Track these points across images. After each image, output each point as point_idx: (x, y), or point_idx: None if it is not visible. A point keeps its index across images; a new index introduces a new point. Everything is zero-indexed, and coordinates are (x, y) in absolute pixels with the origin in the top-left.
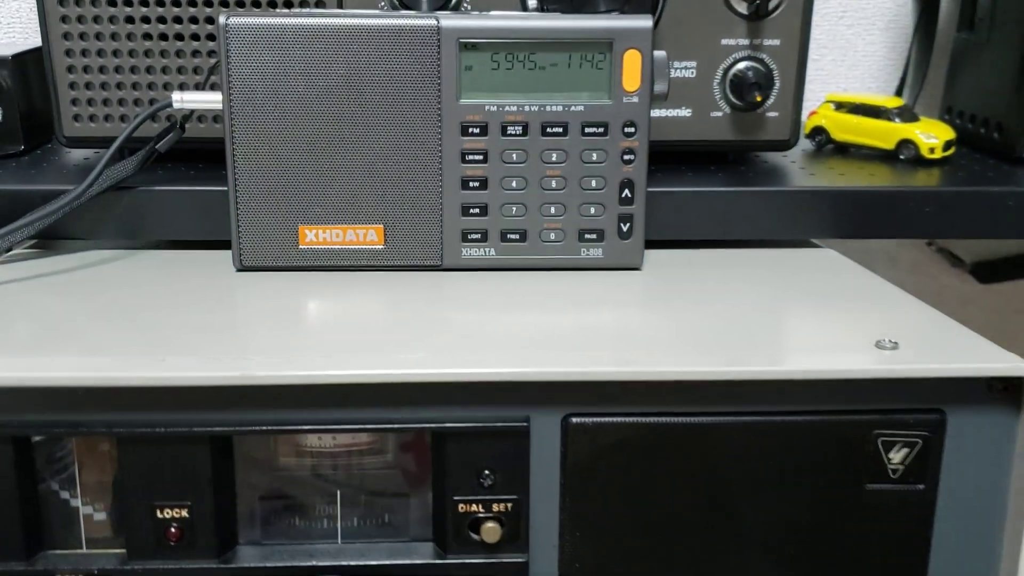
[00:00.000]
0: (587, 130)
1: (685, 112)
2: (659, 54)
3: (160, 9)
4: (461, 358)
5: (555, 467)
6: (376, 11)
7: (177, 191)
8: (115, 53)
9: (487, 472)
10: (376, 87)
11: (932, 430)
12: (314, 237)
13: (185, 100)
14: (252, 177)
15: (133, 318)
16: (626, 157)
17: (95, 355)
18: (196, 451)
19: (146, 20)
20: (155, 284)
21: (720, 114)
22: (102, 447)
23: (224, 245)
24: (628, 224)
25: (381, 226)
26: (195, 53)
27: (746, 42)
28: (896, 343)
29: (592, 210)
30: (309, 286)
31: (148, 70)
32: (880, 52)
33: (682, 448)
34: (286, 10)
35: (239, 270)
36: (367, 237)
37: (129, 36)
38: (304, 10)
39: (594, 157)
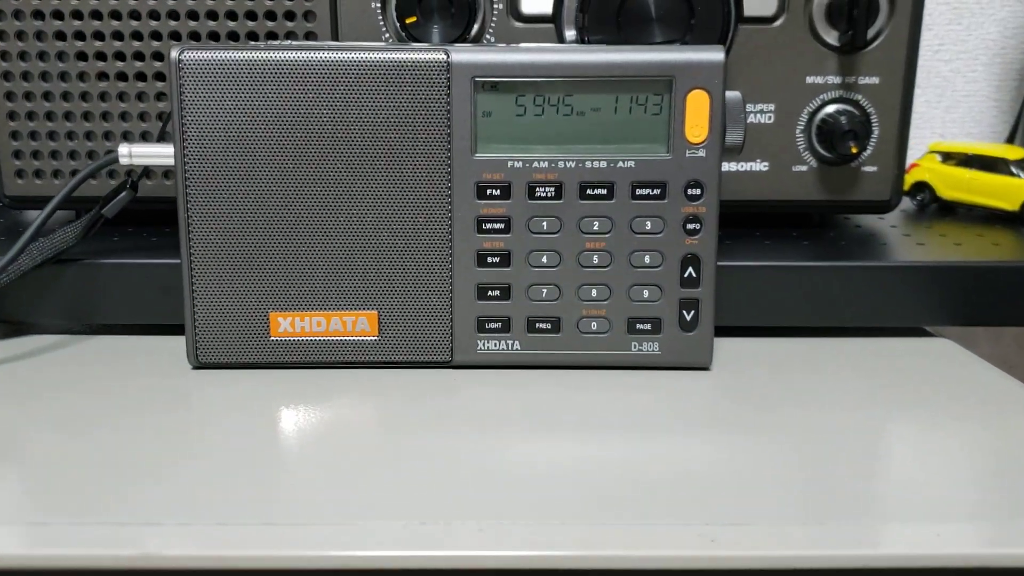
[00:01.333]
0: (639, 192)
1: (761, 166)
2: (733, 95)
3: (118, 43)
4: (464, 531)
5: None
6: (372, 44)
7: (131, 264)
8: (65, 96)
9: None
10: (369, 138)
11: None
12: (289, 326)
13: (135, 154)
14: (211, 250)
15: (36, 441)
16: (690, 226)
17: None
18: None
19: (101, 56)
20: (87, 385)
21: (804, 168)
22: None
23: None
24: (692, 311)
25: (374, 312)
26: (160, 96)
27: (837, 80)
28: None
29: (646, 293)
30: (278, 392)
31: (104, 117)
32: (983, 92)
33: None
34: (255, 43)
35: (195, 367)
36: (357, 326)
37: (82, 76)
38: (279, 43)
39: (648, 226)
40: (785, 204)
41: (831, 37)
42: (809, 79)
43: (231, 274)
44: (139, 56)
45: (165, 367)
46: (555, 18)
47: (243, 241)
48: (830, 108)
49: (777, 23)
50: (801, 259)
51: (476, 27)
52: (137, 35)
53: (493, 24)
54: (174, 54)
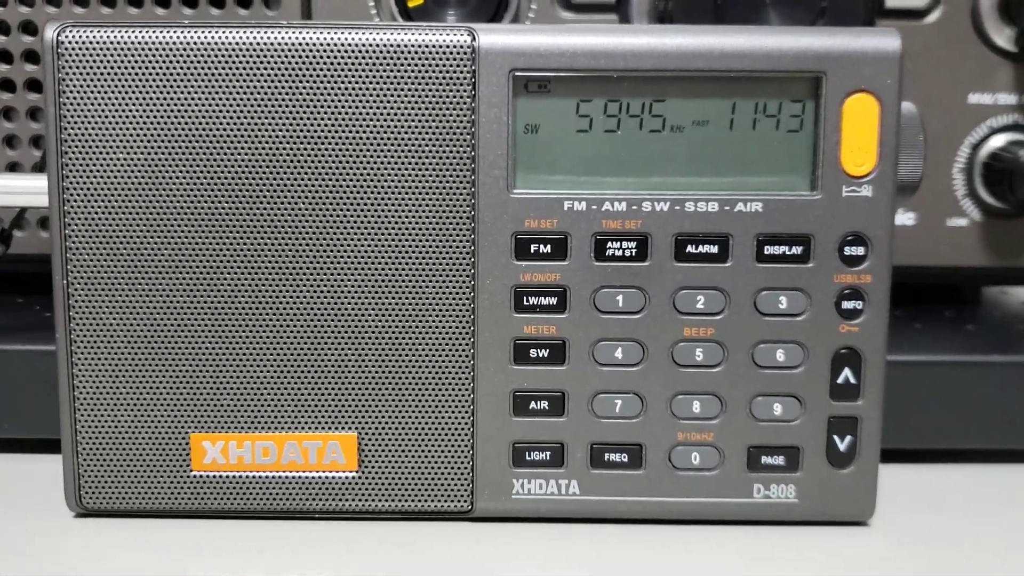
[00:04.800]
0: (769, 251)
1: (905, 218)
2: (909, 108)
3: (1, 38)
4: None
5: None
6: (357, 23)
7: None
8: None
9: None
10: (349, 164)
11: None
12: (220, 455)
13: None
14: (103, 337)
15: None
16: (847, 304)
17: None
18: None
19: None
20: None
21: (964, 222)
22: None
23: None
24: (849, 437)
25: (353, 435)
26: None
27: (1012, 99)
28: None
29: (777, 408)
30: (197, 560)
31: None
32: None
33: None
34: (178, 21)
35: (78, 515)
36: (325, 456)
37: None
38: (215, 21)
39: (783, 304)
40: (937, 271)
41: (1004, 39)
42: (973, 97)
43: (132, 375)
44: (32, 56)
45: (38, 510)
46: (621, 6)
47: (152, 324)
48: (1001, 138)
49: (931, 18)
50: (975, 351)
51: (507, 18)
52: (29, 26)
53: (532, 14)
54: (49, 33)
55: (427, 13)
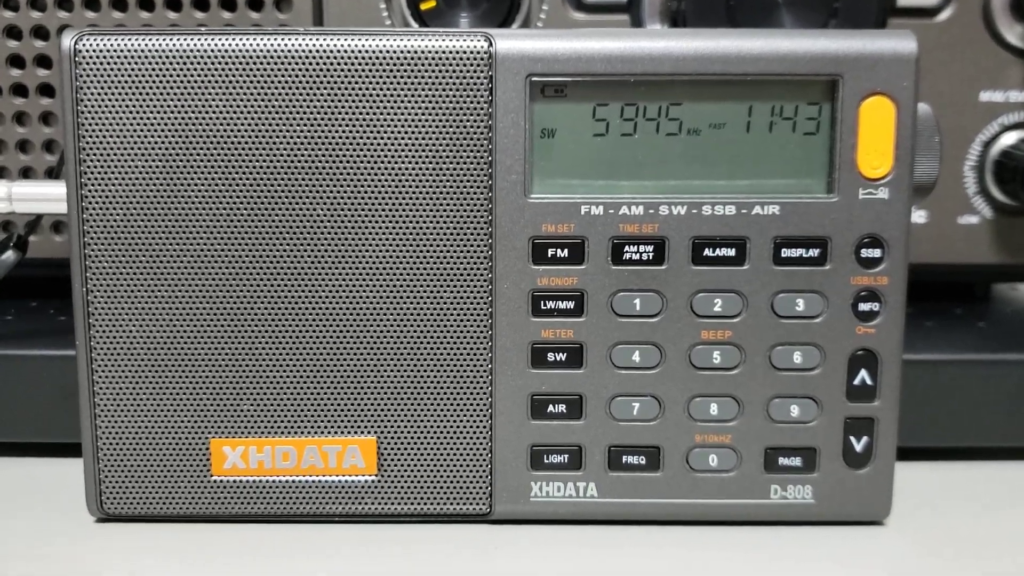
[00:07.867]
0: (786, 253)
1: (916, 216)
2: (924, 109)
3: (13, 43)
4: None
5: None
6: (372, 29)
7: (19, 356)
8: None
9: None
10: (365, 172)
11: None
12: (240, 460)
13: (16, 196)
14: (123, 345)
15: None
16: (864, 307)
17: None
18: None
19: None
20: None
21: (975, 220)
22: None
23: None
24: (865, 438)
25: (372, 439)
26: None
27: (1023, 97)
28: None
29: (794, 410)
30: (219, 564)
31: None
32: None
33: None
34: (194, 29)
35: (99, 520)
36: (344, 461)
37: None
38: (231, 28)
39: (800, 306)
40: (948, 269)
41: (1015, 36)
42: (984, 95)
43: (152, 381)
44: (44, 61)
45: (59, 515)
46: (632, 6)
47: (171, 331)
48: (1012, 136)
49: (942, 16)
50: (988, 349)
51: (519, 19)
52: (41, 31)
53: (543, 15)
54: (66, 42)
55: (439, 15)
